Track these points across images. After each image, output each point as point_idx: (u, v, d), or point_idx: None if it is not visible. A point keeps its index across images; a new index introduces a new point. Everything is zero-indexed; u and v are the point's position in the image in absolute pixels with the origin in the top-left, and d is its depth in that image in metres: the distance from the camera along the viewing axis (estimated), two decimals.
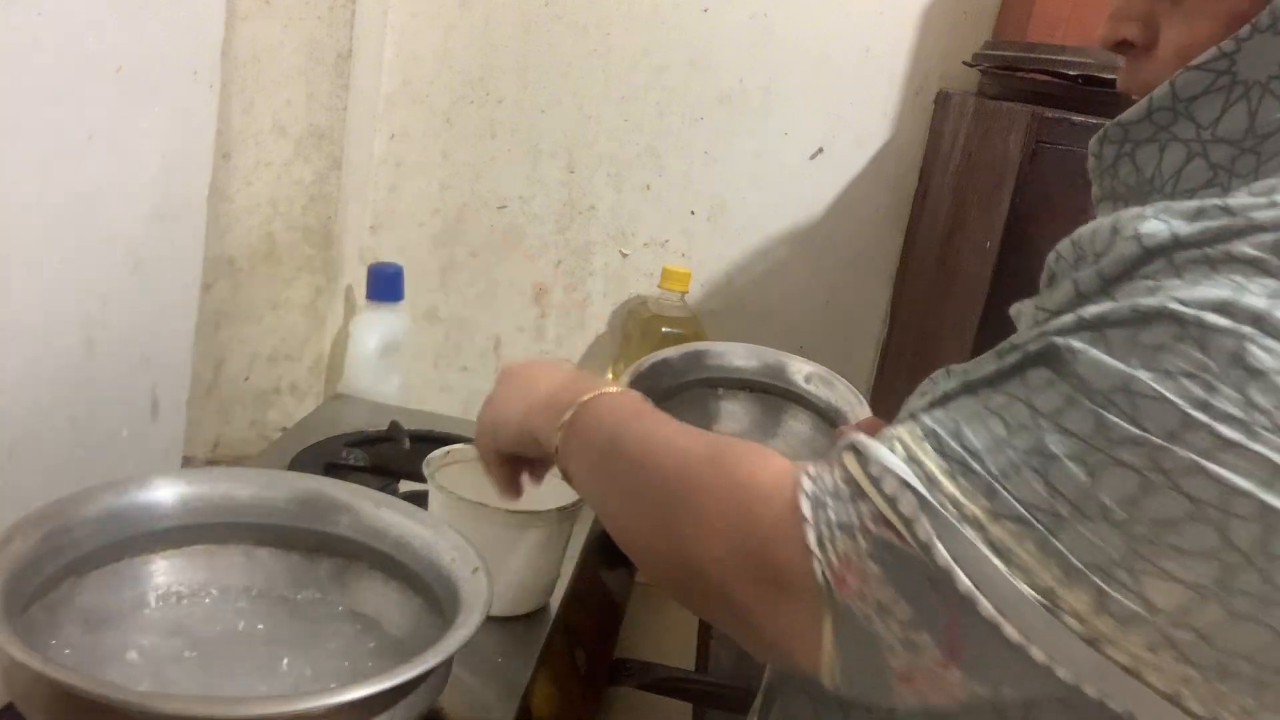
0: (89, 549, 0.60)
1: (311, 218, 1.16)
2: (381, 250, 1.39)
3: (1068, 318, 0.42)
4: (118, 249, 0.82)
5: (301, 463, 0.98)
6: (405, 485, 0.95)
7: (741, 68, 1.30)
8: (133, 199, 0.83)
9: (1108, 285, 0.43)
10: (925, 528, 0.41)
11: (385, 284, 1.24)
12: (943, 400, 0.46)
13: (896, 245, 1.35)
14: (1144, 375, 0.39)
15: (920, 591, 0.41)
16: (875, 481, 0.43)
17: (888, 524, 0.42)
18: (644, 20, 1.29)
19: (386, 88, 1.33)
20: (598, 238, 1.37)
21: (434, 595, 0.63)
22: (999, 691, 0.43)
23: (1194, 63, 0.48)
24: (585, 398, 0.59)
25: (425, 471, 0.78)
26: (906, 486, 0.42)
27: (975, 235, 1.04)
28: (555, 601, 0.83)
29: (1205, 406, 0.37)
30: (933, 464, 0.42)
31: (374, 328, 1.23)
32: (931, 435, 0.43)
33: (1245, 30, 0.46)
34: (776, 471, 0.46)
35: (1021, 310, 0.52)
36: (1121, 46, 0.54)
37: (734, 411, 0.91)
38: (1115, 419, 0.39)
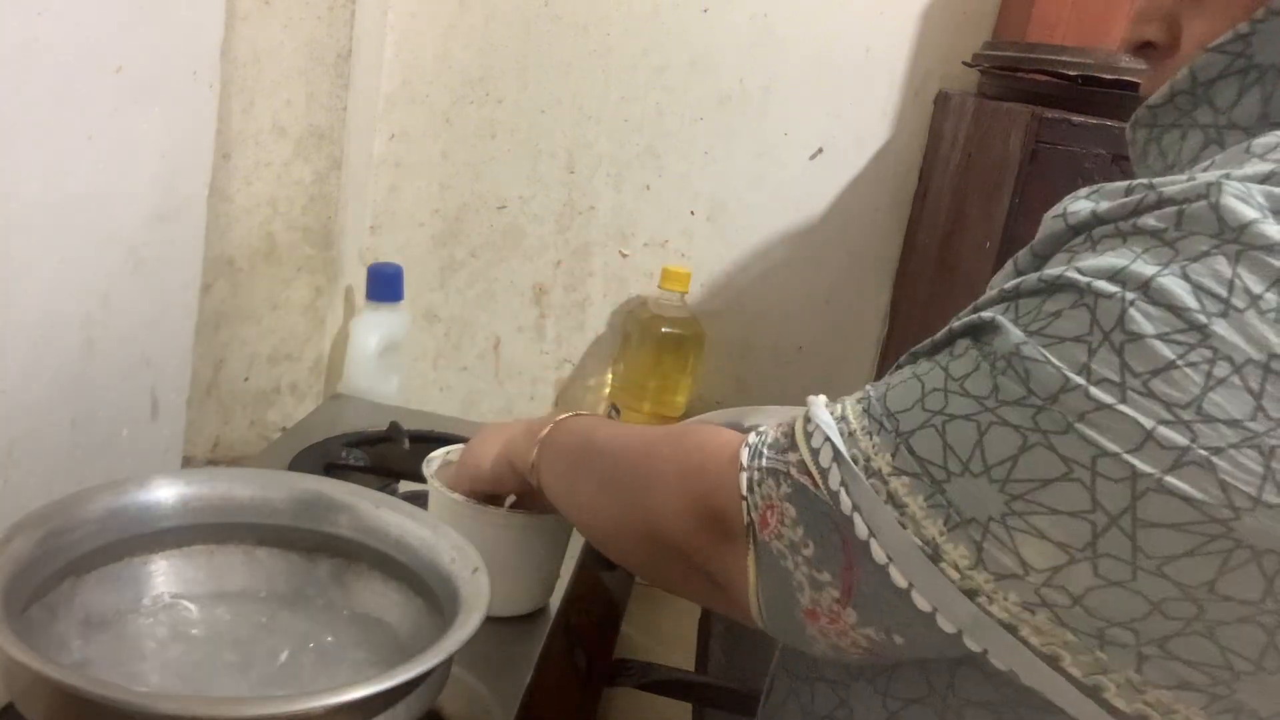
0: (89, 549, 0.60)
1: (311, 218, 1.16)
2: (381, 250, 1.39)
3: (994, 292, 0.44)
4: (118, 249, 0.82)
5: (301, 463, 0.98)
6: (405, 485, 0.95)
7: (741, 68, 1.30)
8: (133, 199, 0.83)
9: (1039, 262, 0.45)
10: (837, 477, 0.45)
11: (385, 284, 1.24)
12: (893, 369, 0.50)
13: (896, 245, 1.35)
14: (1037, 341, 0.40)
15: (825, 533, 0.45)
16: (809, 436, 0.47)
17: (807, 472, 0.46)
18: (644, 20, 1.29)
19: (386, 88, 1.33)
20: (598, 238, 1.37)
21: (434, 595, 0.63)
22: (890, 637, 0.45)
23: (1213, 44, 0.47)
24: (561, 418, 0.68)
25: (425, 471, 0.78)
26: (829, 441, 0.46)
27: (975, 235, 1.04)
28: (555, 601, 0.83)
29: (1085, 370, 0.38)
30: (857, 423, 0.46)
31: (374, 328, 1.23)
32: (866, 398, 0.47)
33: (1261, 12, 0.46)
34: (730, 436, 0.53)
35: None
36: (1145, 49, 0.53)
37: None
38: (1008, 381, 0.40)
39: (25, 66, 0.68)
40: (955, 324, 0.46)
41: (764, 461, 0.49)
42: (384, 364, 1.24)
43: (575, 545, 0.87)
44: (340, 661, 0.62)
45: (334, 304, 1.27)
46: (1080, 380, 0.38)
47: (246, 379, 1.14)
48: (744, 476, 0.49)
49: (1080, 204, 0.44)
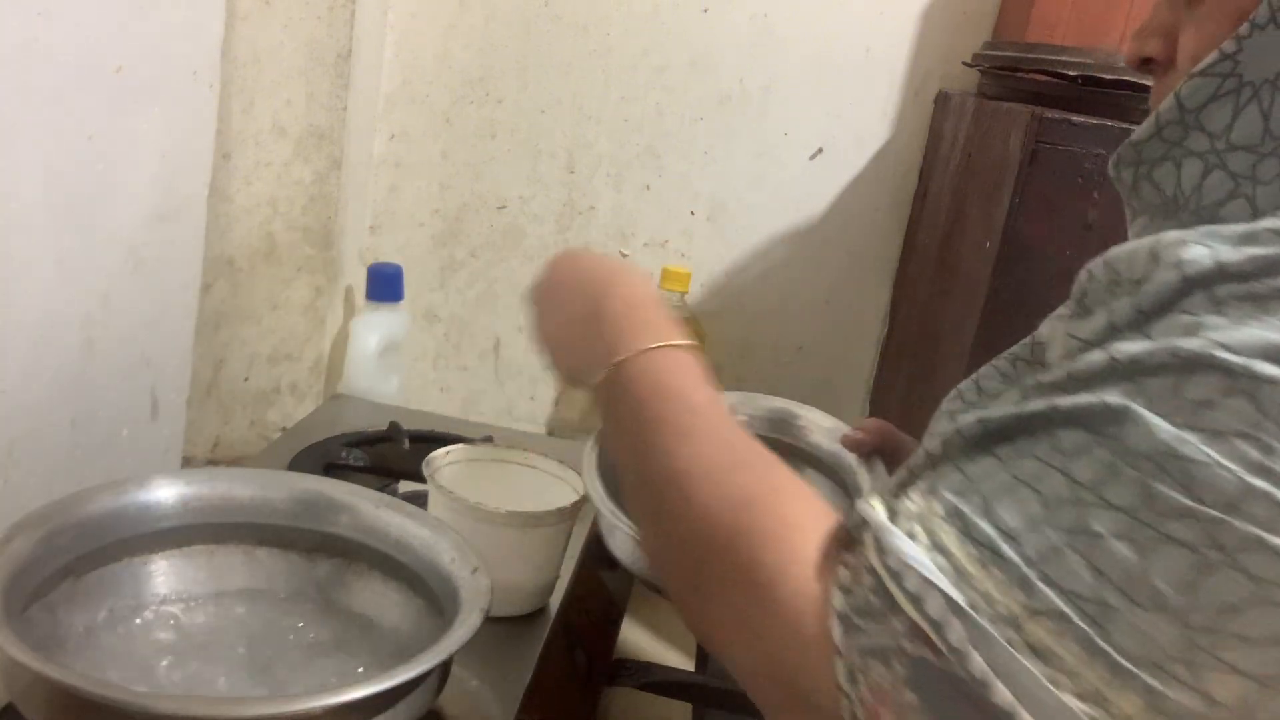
0: (89, 549, 0.60)
1: (311, 218, 1.16)
2: (381, 250, 1.39)
3: (1097, 357, 0.38)
4: (118, 249, 0.82)
5: (301, 463, 0.98)
6: (405, 485, 0.95)
7: (741, 68, 1.30)
8: (133, 199, 0.83)
9: (1144, 320, 0.38)
10: (957, 632, 0.36)
11: (385, 284, 1.24)
12: (958, 446, 0.41)
13: (896, 245, 1.35)
14: (1193, 437, 0.34)
15: (959, 713, 0.36)
16: (898, 578, 0.38)
17: (922, 637, 0.37)
18: (644, 20, 1.29)
19: (386, 88, 1.33)
20: (598, 238, 1.37)
21: (434, 595, 0.63)
22: None
23: (1196, 69, 0.45)
24: (619, 358, 0.52)
25: (425, 471, 0.78)
26: (932, 585, 0.37)
27: (975, 235, 1.04)
28: (555, 601, 0.83)
29: (1264, 471, 0.33)
30: (960, 552, 0.37)
31: (374, 328, 1.23)
32: (956, 515, 0.38)
33: (1245, 28, 0.43)
34: (806, 574, 0.41)
35: (1053, 334, 0.47)
36: (1147, 65, 0.51)
37: None
38: (1164, 489, 0.34)
39: (25, 66, 0.68)
40: (1044, 393, 0.39)
41: (864, 640, 0.38)
42: (384, 364, 1.24)
43: (575, 545, 0.87)
44: (339, 661, 0.62)
45: (334, 304, 1.27)
46: (1262, 484, 0.33)
47: (246, 379, 1.14)
48: (840, 665, 0.39)
49: (1196, 251, 0.38)
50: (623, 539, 0.68)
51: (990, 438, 0.40)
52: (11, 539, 0.56)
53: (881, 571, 0.38)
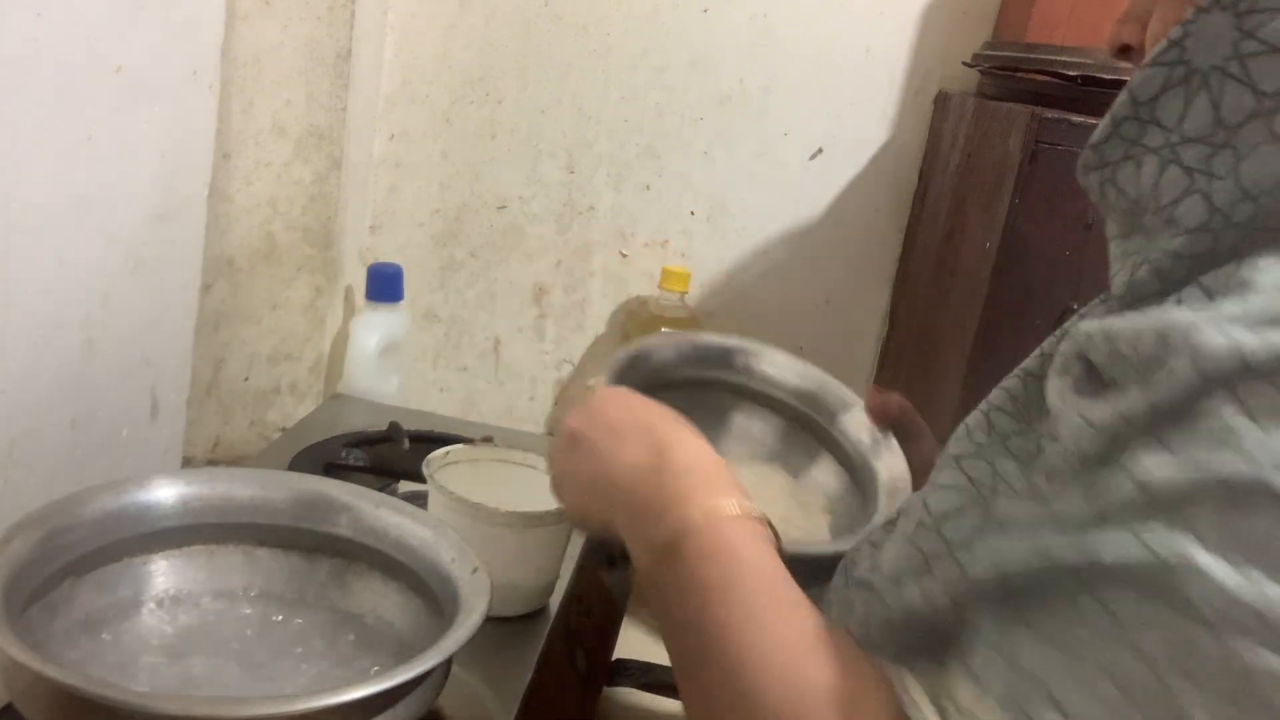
0: (89, 549, 0.60)
1: (311, 218, 1.16)
2: (381, 250, 1.39)
3: (1124, 487, 0.34)
4: (118, 249, 0.82)
5: (301, 463, 0.98)
6: (405, 485, 0.95)
7: (741, 68, 1.30)
8: (133, 199, 0.83)
9: (1161, 422, 0.34)
10: None
11: (385, 284, 1.24)
12: (978, 608, 0.37)
13: (896, 245, 1.35)
14: (1273, 591, 0.31)
15: None
16: None
17: None
18: (644, 20, 1.29)
19: (386, 88, 1.33)
20: (597, 238, 1.37)
21: (434, 595, 0.63)
22: None
23: (1146, 59, 0.42)
24: (687, 522, 0.47)
25: (425, 471, 0.78)
26: None
27: (975, 235, 1.04)
28: (555, 602, 0.83)
29: None
30: None
31: (374, 328, 1.23)
32: (1012, 705, 0.34)
33: (1190, 11, 0.40)
34: None
35: (1060, 403, 0.41)
36: (1126, 53, 0.48)
37: (751, 436, 0.78)
38: (1265, 659, 0.31)
39: (26, 67, 0.68)
40: (1100, 556, 0.34)
41: None
42: (384, 364, 1.24)
43: (575, 545, 0.87)
44: (340, 661, 0.62)
45: (334, 304, 1.27)
46: None
47: (246, 379, 1.14)
48: None
49: (1212, 341, 0.34)
50: None
51: (1016, 597, 0.36)
52: (11, 539, 0.56)
53: None
